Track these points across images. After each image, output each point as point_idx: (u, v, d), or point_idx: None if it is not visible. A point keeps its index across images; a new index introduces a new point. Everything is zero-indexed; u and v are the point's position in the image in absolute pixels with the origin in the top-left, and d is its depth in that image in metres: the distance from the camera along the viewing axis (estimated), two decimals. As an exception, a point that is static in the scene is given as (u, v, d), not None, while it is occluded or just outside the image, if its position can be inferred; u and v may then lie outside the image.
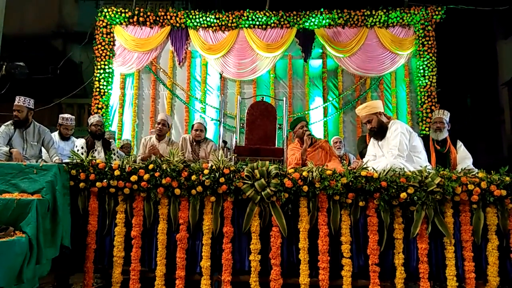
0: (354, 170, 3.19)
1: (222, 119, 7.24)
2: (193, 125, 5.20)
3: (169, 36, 8.02)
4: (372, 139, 3.84)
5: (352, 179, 3.08)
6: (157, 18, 7.92)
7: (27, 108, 4.20)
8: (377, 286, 3.05)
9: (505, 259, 3.13)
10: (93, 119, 4.98)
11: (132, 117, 7.91)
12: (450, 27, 7.95)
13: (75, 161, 3.25)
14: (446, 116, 4.53)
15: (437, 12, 7.70)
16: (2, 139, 4.07)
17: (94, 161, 3.25)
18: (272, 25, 7.86)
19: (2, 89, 7.38)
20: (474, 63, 9.28)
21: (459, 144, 4.44)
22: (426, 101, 7.51)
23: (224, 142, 5.63)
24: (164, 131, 5.12)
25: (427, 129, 7.14)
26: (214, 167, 3.17)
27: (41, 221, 2.77)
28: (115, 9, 7.86)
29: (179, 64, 8.05)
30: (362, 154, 4.98)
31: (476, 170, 3.41)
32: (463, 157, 4.35)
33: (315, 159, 4.29)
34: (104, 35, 7.84)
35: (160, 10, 7.94)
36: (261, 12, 7.83)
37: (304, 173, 3.12)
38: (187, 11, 7.96)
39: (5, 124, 4.20)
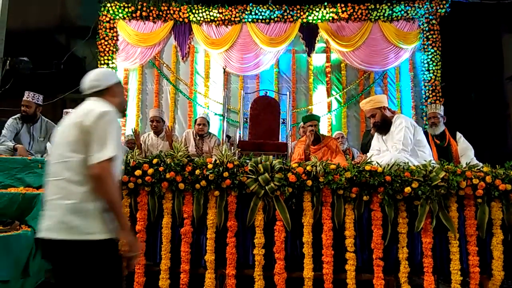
0: (358, 165, 3.19)
1: (226, 114, 7.27)
2: (196, 120, 5.20)
3: (172, 31, 7.99)
4: (376, 133, 3.83)
5: (356, 173, 3.08)
6: (160, 13, 7.89)
7: (36, 104, 4.22)
8: (381, 280, 3.06)
9: (509, 253, 3.12)
10: None
11: (136, 112, 7.91)
12: (455, 21, 7.88)
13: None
14: (439, 109, 4.49)
15: (441, 6, 7.63)
16: (9, 132, 4.09)
17: (98, 155, 3.25)
18: (276, 19, 7.82)
19: (6, 85, 7.39)
20: (479, 57, 9.21)
21: (459, 135, 4.41)
22: (431, 96, 7.46)
23: (228, 136, 5.63)
24: (160, 127, 5.11)
25: (428, 124, 7.11)
26: (218, 161, 3.17)
27: (46, 215, 2.79)
28: (118, 3, 7.84)
29: (182, 59, 8.03)
30: (363, 149, 4.97)
31: (480, 164, 3.40)
32: (464, 148, 4.32)
33: (319, 157, 4.28)
34: (107, 30, 7.83)
35: (163, 4, 7.91)
36: (264, 6, 7.79)
37: (308, 168, 3.12)
38: (190, 5, 7.93)
39: (13, 117, 4.22)
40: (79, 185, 1.75)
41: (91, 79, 1.98)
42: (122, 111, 1.99)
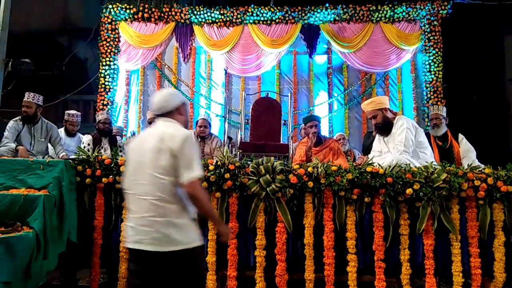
0: (360, 166, 3.18)
1: (227, 115, 7.27)
2: (197, 121, 5.20)
3: (173, 32, 8.00)
4: (377, 135, 3.83)
5: (358, 175, 3.07)
6: (162, 14, 7.90)
7: (36, 104, 4.24)
8: (383, 282, 3.05)
9: (511, 255, 3.11)
10: (101, 116, 5.00)
11: (137, 113, 7.92)
12: (456, 22, 7.87)
13: (81, 157, 3.27)
14: (442, 111, 4.48)
15: (443, 7, 7.62)
16: (11, 134, 4.11)
17: (100, 157, 3.27)
18: (277, 20, 7.81)
19: (8, 86, 7.41)
20: (480, 58, 9.20)
21: (461, 137, 4.39)
22: (432, 97, 7.45)
23: (229, 138, 5.63)
24: None
25: (429, 125, 7.10)
26: (219, 163, 3.17)
27: (48, 216, 2.79)
28: (120, 5, 7.85)
29: (184, 60, 8.04)
30: (365, 150, 4.96)
31: (482, 165, 3.39)
32: (466, 150, 4.30)
33: (321, 158, 4.27)
34: (109, 32, 7.84)
35: (165, 6, 7.92)
36: (266, 8, 7.79)
37: (310, 169, 3.12)
38: (191, 7, 7.93)
39: (14, 119, 4.23)
40: (172, 204, 1.99)
41: (160, 100, 2.15)
42: (186, 128, 2.16)
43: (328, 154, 4.39)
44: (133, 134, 5.32)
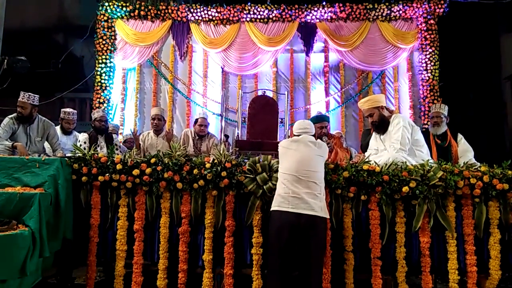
0: (356, 164, 3.19)
1: (224, 113, 7.27)
2: (196, 120, 5.18)
3: (170, 30, 7.98)
4: (374, 133, 3.83)
5: (354, 173, 3.08)
6: (158, 12, 7.88)
7: (31, 104, 4.19)
8: (379, 279, 3.06)
9: (507, 252, 3.13)
10: (96, 114, 4.98)
11: (134, 111, 7.89)
12: (453, 21, 7.89)
13: (77, 155, 3.26)
14: (443, 109, 4.48)
15: (440, 6, 7.63)
16: (5, 132, 4.06)
17: (96, 155, 3.26)
18: (274, 18, 7.80)
19: (3, 84, 7.37)
20: (477, 56, 9.23)
21: (460, 137, 4.40)
22: (429, 95, 7.47)
23: (226, 136, 5.62)
24: (160, 126, 5.15)
25: (429, 123, 7.11)
26: (216, 161, 3.17)
27: (43, 214, 2.79)
28: (116, 3, 7.81)
29: (181, 58, 8.02)
30: (363, 148, 4.97)
31: (478, 163, 3.40)
32: (464, 150, 4.32)
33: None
34: (105, 29, 7.81)
35: (161, 4, 7.89)
36: (263, 6, 7.77)
37: (306, 167, 3.11)
38: (188, 4, 7.91)
39: (9, 116, 4.18)
40: (322, 185, 2.92)
41: (307, 126, 3.15)
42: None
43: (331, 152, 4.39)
44: (131, 133, 5.29)
